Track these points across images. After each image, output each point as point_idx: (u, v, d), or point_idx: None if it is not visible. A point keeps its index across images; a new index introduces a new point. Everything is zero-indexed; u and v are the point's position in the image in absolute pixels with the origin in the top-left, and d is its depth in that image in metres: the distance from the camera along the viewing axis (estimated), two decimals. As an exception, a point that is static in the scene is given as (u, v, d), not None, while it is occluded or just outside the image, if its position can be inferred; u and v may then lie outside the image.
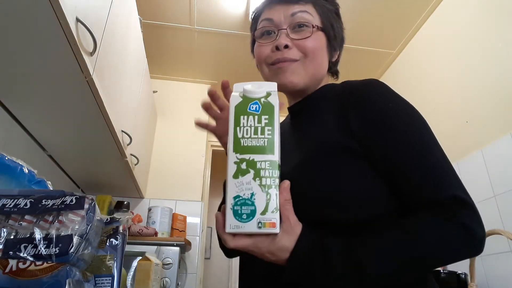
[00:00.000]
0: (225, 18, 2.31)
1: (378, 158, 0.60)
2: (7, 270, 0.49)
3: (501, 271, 1.51)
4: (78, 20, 0.99)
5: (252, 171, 0.47)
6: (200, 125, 0.76)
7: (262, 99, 0.50)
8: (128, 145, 1.73)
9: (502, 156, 1.57)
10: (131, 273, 1.31)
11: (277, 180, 0.48)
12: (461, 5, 1.95)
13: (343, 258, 0.51)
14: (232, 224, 0.47)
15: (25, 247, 0.51)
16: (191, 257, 2.44)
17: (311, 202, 0.59)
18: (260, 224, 0.46)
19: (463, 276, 1.47)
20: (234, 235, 0.48)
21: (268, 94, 0.51)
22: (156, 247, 2.01)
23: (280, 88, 0.73)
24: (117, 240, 0.62)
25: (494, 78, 1.67)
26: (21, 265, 0.50)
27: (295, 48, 0.70)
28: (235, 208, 0.47)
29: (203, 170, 2.72)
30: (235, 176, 0.48)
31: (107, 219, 0.66)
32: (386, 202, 0.60)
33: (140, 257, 1.38)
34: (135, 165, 1.97)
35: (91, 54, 1.11)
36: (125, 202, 2.24)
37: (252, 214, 0.46)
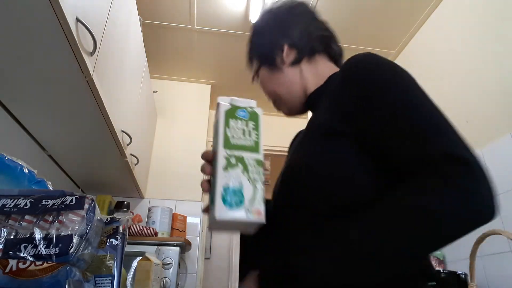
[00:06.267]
0: (225, 18, 2.31)
1: (368, 133, 0.56)
2: (7, 270, 0.49)
3: (501, 271, 1.50)
4: (78, 20, 0.99)
5: (240, 165, 0.52)
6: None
7: (249, 108, 0.57)
8: (128, 145, 1.73)
9: (502, 156, 1.57)
10: (131, 273, 1.31)
11: (262, 177, 0.53)
12: (461, 5, 1.95)
13: (337, 243, 0.52)
14: (221, 211, 0.49)
15: (25, 247, 0.51)
16: (191, 257, 2.44)
17: (295, 188, 0.61)
18: (248, 211, 0.50)
19: (463, 276, 1.46)
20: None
21: (252, 107, 0.57)
22: (156, 247, 2.01)
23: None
24: (117, 240, 0.63)
25: (494, 78, 1.67)
26: (21, 265, 0.50)
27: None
28: (224, 196, 0.50)
29: (203, 170, 2.72)
30: (225, 168, 0.51)
31: (107, 219, 0.66)
32: (374, 184, 0.56)
33: (140, 257, 1.38)
34: (135, 165, 1.97)
35: (91, 54, 1.11)
36: (125, 202, 2.24)
37: (240, 202, 0.50)
